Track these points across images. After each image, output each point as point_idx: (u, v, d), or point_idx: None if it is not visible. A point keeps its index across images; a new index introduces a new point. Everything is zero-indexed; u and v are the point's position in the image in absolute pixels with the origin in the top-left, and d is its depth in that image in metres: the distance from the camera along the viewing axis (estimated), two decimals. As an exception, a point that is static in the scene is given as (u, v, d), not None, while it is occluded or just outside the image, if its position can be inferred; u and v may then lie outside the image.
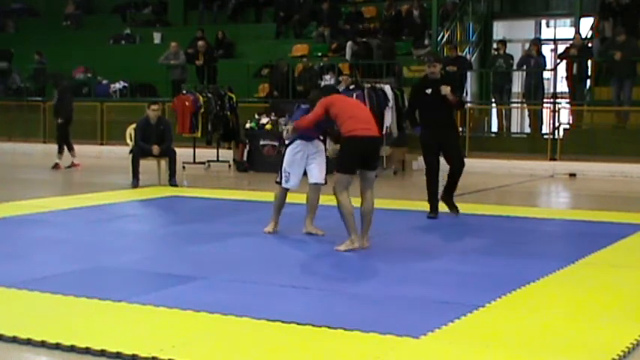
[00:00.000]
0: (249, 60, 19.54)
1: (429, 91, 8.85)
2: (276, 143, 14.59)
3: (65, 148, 15.07)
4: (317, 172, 7.76)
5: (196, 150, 15.41)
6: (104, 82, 20.95)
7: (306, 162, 7.81)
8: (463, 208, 9.52)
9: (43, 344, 4.45)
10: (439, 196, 9.13)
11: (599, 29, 17.25)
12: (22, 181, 13.75)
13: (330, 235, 7.71)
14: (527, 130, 17.29)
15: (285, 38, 21.27)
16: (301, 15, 21.32)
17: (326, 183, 7.80)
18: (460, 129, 14.40)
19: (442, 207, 9.13)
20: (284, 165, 7.77)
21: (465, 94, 16.42)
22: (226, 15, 22.73)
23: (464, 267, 6.69)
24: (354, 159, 7.06)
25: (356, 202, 7.20)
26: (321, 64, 18.30)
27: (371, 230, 7.32)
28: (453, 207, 9.21)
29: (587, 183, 13.85)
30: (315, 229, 7.82)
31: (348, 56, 18.80)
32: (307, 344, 4.49)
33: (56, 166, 14.99)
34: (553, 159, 15.22)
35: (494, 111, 17.83)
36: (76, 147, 16.23)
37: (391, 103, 14.52)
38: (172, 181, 12.15)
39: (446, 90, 8.73)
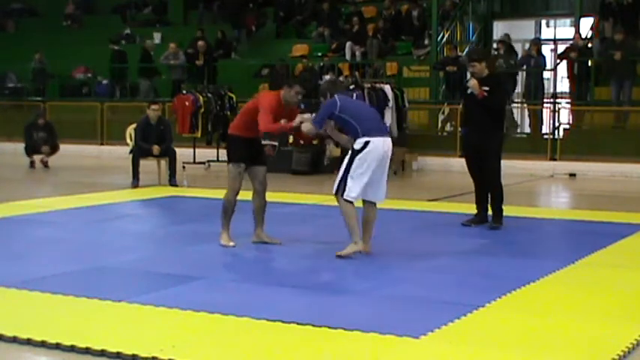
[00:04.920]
0: (250, 60, 19.53)
1: (469, 90, 8.45)
2: (276, 143, 14.55)
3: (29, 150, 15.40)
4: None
5: (196, 150, 15.41)
6: (104, 82, 20.95)
7: None
8: (462, 208, 9.52)
9: (43, 344, 4.44)
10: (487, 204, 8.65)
11: (599, 29, 17.25)
12: (22, 181, 13.75)
13: (330, 236, 7.72)
14: (527, 130, 17.29)
15: (285, 38, 21.27)
16: (301, 15, 21.32)
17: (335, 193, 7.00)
18: (460, 129, 14.42)
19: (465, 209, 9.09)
20: None
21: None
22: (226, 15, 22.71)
23: (464, 267, 6.69)
24: None
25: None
26: (321, 64, 18.30)
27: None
28: (492, 218, 8.57)
29: (587, 183, 13.85)
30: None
31: (347, 56, 18.81)
32: (307, 344, 4.49)
33: (33, 165, 15.17)
34: (553, 159, 15.21)
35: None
36: (76, 147, 16.30)
37: (391, 103, 14.53)
38: (172, 181, 12.15)
39: (470, 83, 8.32)
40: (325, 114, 6.90)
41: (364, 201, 7.01)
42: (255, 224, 7.52)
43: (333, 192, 6.87)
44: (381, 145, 6.78)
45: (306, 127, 6.99)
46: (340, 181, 6.79)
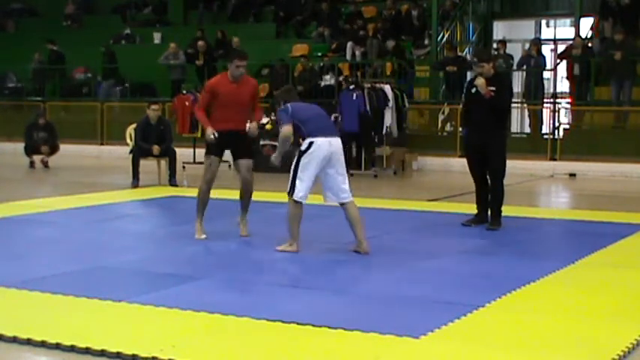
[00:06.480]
0: (249, 60, 19.50)
1: (474, 90, 8.36)
2: (276, 143, 14.57)
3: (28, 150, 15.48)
4: None
5: (196, 150, 15.39)
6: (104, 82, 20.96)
7: None
8: (462, 208, 9.52)
9: (43, 344, 4.44)
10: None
11: (599, 29, 17.26)
12: (22, 181, 13.75)
13: (330, 236, 7.72)
14: (527, 130, 17.29)
15: (285, 38, 21.27)
16: (302, 15, 21.33)
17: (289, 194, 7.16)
18: (460, 129, 14.41)
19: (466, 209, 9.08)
20: None
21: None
22: (226, 15, 22.73)
23: (464, 267, 6.69)
24: None
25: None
26: (321, 64, 18.31)
27: (371, 230, 7.30)
28: (491, 219, 8.48)
29: (587, 183, 13.85)
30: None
31: (348, 56, 18.81)
32: (307, 344, 4.49)
33: (33, 165, 15.23)
34: (553, 159, 15.22)
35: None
36: (76, 147, 16.23)
37: (391, 103, 14.54)
38: (172, 181, 12.16)
39: (478, 82, 8.22)
40: (286, 118, 7.13)
41: (340, 203, 7.12)
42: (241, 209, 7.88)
43: (287, 192, 7.06)
44: (325, 146, 6.98)
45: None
46: (291, 182, 7.02)
